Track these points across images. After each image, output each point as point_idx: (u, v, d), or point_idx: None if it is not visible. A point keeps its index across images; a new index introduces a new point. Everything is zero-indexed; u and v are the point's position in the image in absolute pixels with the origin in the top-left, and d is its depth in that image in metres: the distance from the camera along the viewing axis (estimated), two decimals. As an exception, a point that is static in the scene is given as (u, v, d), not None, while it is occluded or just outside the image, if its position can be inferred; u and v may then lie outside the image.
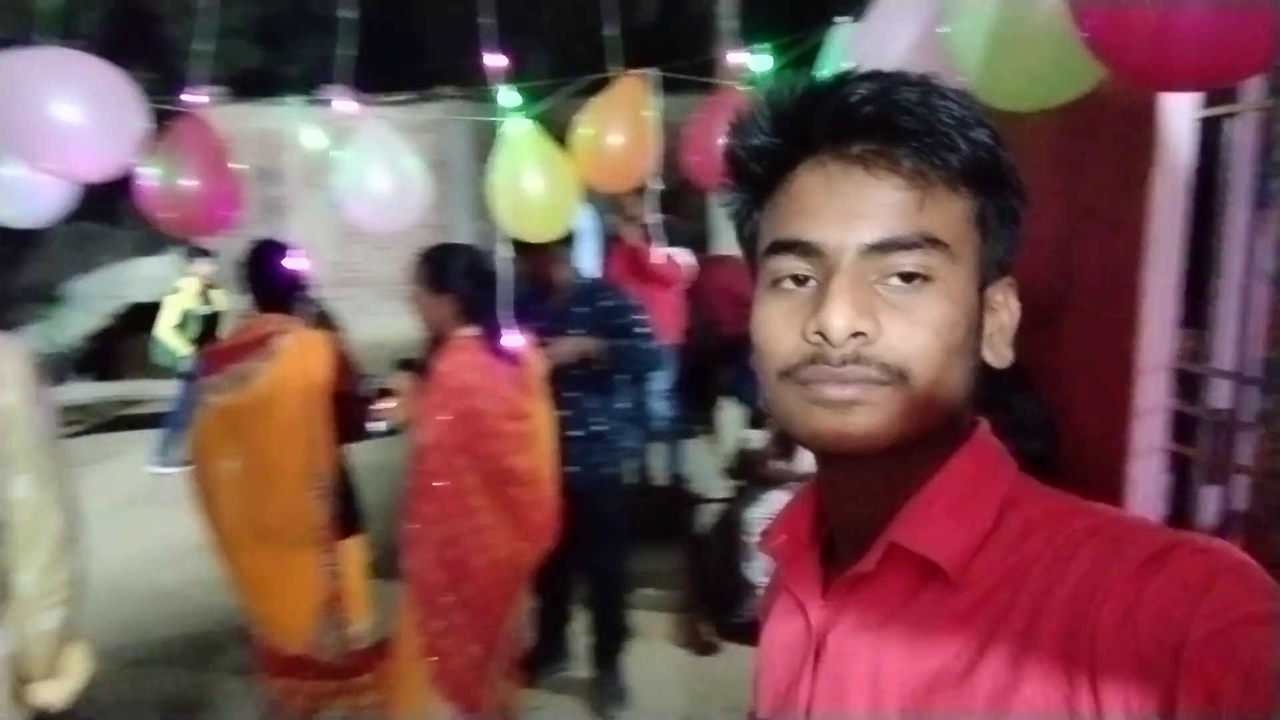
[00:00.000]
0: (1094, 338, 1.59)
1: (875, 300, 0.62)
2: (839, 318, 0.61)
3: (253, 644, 2.67)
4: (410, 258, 2.59)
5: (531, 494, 2.57)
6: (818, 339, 0.63)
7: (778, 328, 0.67)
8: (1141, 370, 1.51)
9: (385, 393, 2.71)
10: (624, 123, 2.26)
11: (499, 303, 2.47)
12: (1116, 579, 0.54)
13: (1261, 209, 1.47)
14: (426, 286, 2.52)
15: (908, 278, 0.62)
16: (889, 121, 0.62)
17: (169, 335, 5.99)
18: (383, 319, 6.63)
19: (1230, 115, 1.47)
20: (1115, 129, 1.54)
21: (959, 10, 1.26)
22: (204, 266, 6.09)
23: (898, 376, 0.62)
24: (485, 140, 2.44)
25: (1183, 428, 1.56)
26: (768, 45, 2.29)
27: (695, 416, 5.22)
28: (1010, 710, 0.56)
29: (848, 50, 2.18)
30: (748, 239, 0.74)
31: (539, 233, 2.41)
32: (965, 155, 0.62)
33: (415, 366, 2.69)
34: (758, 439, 5.01)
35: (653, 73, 2.25)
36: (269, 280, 2.57)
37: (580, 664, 3.48)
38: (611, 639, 3.39)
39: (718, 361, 5.18)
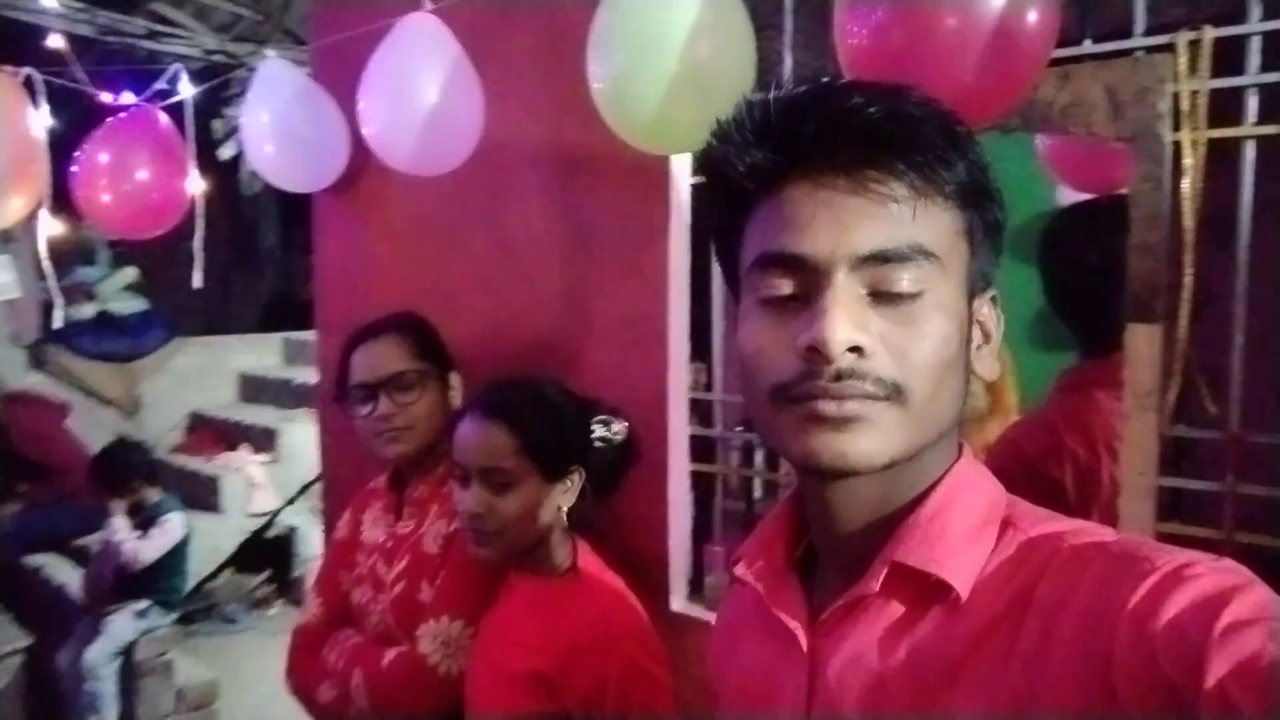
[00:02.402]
0: (619, 375, 1.72)
1: (868, 313, 0.62)
2: (836, 332, 0.59)
3: None
4: None
5: None
6: (811, 355, 0.60)
7: (767, 343, 0.64)
8: (672, 401, 1.70)
9: None
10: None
11: None
12: (1129, 597, 0.54)
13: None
14: None
15: (900, 290, 0.62)
16: (888, 133, 0.62)
17: None
18: None
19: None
20: (626, 188, 1.71)
21: (612, 51, 1.27)
22: None
23: (894, 391, 0.61)
24: None
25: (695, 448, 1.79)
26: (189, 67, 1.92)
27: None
28: None
29: (272, 82, 1.98)
30: (729, 254, 0.70)
31: None
32: (960, 175, 0.64)
33: None
34: (52, 564, 4.05)
35: (32, 73, 1.67)
36: None
37: None
38: None
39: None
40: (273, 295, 7.86)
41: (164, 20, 5.35)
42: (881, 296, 0.62)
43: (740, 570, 0.73)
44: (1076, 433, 1.39)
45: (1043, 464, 1.38)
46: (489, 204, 1.93)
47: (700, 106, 1.19)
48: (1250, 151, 1.25)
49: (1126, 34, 1.33)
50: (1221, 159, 1.24)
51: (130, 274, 6.19)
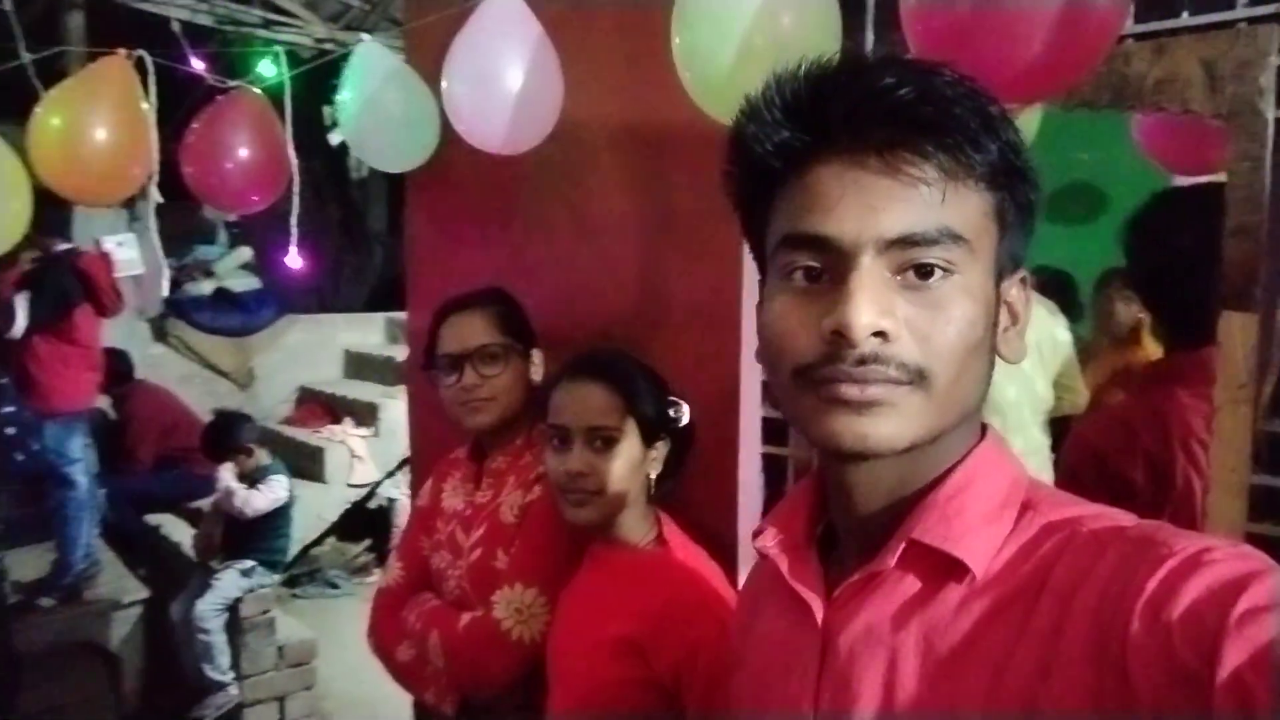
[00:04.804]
0: (693, 356, 1.72)
1: (894, 297, 0.61)
2: (860, 316, 0.59)
3: None
4: None
5: None
6: (835, 338, 0.60)
7: (791, 324, 0.63)
8: (744, 382, 1.69)
9: None
10: (111, 114, 1.75)
11: None
12: (1146, 581, 0.53)
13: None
14: None
15: (927, 273, 0.61)
16: (919, 114, 0.60)
17: None
18: None
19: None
20: (703, 169, 1.71)
21: (694, 21, 1.28)
22: None
23: (917, 376, 0.61)
24: None
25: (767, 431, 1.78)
26: (282, 50, 2.02)
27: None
28: (1036, 713, 0.56)
29: (371, 64, 2.05)
30: (755, 230, 0.70)
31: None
32: (993, 156, 0.62)
33: None
34: (169, 523, 4.31)
35: (143, 55, 1.79)
36: None
37: None
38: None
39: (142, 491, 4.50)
40: (379, 277, 8.13)
41: (279, 10, 5.60)
42: (908, 279, 0.61)
43: (760, 543, 0.74)
44: (1152, 430, 1.34)
45: (1114, 462, 1.33)
46: (569, 183, 1.96)
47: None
48: (1359, 129, 1.17)
49: (1228, 5, 1.26)
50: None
51: (246, 253, 6.51)
